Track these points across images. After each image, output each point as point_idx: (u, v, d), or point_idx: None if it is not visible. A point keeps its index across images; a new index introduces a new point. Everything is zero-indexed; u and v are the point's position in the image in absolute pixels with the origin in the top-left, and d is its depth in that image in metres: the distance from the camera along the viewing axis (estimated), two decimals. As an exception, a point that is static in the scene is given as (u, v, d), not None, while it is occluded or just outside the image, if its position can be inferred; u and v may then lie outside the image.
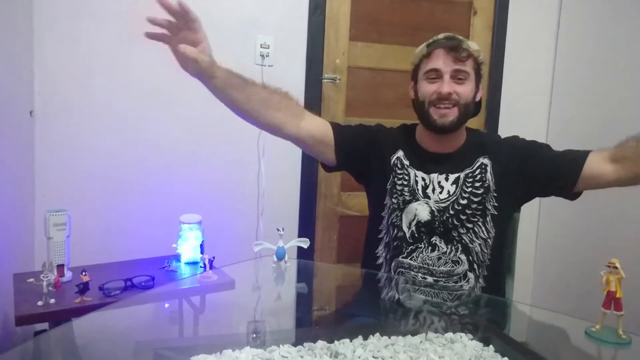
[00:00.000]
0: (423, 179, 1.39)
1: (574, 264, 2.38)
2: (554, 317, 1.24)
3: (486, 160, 1.39)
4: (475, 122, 2.49)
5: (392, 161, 1.43)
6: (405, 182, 1.40)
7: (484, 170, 1.39)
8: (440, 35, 1.37)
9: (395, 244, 1.40)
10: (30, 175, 1.95)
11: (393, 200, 1.41)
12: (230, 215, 2.21)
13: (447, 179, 1.38)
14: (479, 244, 1.37)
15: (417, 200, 1.38)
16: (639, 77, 2.10)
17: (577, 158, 1.33)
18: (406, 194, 1.39)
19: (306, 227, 2.31)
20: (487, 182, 1.38)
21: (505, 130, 2.56)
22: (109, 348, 0.97)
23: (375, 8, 2.34)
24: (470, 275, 1.36)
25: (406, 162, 1.41)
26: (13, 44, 1.80)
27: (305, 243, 1.27)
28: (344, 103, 2.34)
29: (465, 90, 1.34)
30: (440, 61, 1.33)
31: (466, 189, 1.37)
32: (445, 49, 1.33)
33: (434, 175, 1.39)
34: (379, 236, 1.45)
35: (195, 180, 2.15)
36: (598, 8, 2.32)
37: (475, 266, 1.37)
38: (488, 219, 1.38)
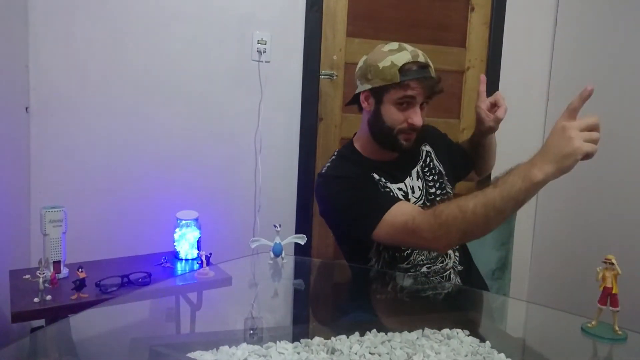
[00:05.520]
0: (400, 189, 1.40)
1: (570, 260, 2.39)
2: (550, 313, 1.24)
3: (428, 147, 1.49)
4: (473, 119, 2.49)
5: (378, 184, 1.39)
6: None
7: (430, 158, 1.48)
8: (407, 56, 1.29)
9: (389, 253, 1.40)
10: (26, 171, 1.94)
11: None
12: (227, 211, 2.21)
13: (411, 177, 1.43)
14: None
15: None
16: (637, 73, 2.10)
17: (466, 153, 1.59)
18: None
19: (303, 223, 2.31)
20: (437, 167, 1.47)
21: (502, 127, 2.57)
22: (105, 345, 0.97)
23: (373, 4, 2.34)
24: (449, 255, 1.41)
25: (382, 182, 1.39)
26: (8, 39, 1.79)
27: (302, 239, 1.27)
28: (341, 99, 2.33)
29: (424, 116, 1.36)
30: (416, 92, 1.30)
31: (428, 178, 1.44)
32: (421, 82, 1.29)
33: (407, 181, 1.42)
34: (369, 256, 1.43)
35: (192, 176, 2.15)
36: (595, 4, 2.32)
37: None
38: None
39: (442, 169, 1.49)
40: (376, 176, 1.38)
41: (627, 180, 2.11)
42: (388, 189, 1.38)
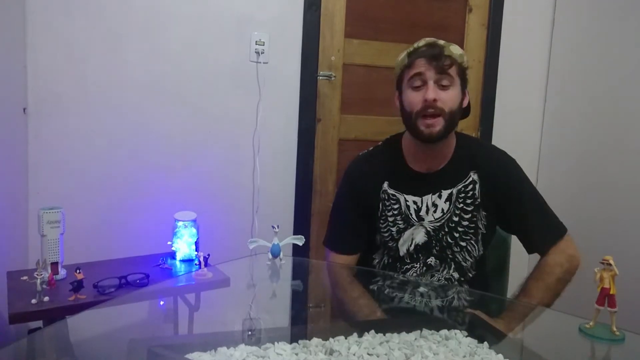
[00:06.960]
0: (415, 202, 1.36)
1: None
2: (548, 313, 1.25)
3: (476, 177, 1.36)
4: (471, 120, 2.50)
5: (380, 196, 1.39)
6: (395, 212, 1.37)
7: (474, 188, 1.36)
8: (422, 42, 1.32)
9: (390, 261, 1.41)
10: (24, 172, 1.93)
11: (384, 234, 1.39)
12: (226, 212, 2.20)
13: (440, 197, 1.36)
14: (471, 262, 1.38)
15: (412, 225, 1.37)
16: (634, 73, 2.11)
17: (534, 241, 1.41)
18: (400, 222, 1.37)
19: (301, 224, 2.31)
20: (477, 199, 1.36)
21: (499, 127, 2.58)
22: (103, 346, 0.97)
23: (371, 5, 2.34)
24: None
25: (391, 191, 1.38)
26: (6, 40, 1.78)
27: (300, 240, 1.27)
28: (339, 100, 2.33)
29: (450, 97, 1.27)
30: (423, 68, 1.27)
31: (457, 205, 1.35)
32: (427, 58, 1.27)
33: (427, 197, 1.36)
34: (373, 261, 1.46)
35: (190, 177, 2.14)
36: (593, 5, 2.33)
37: (463, 279, 1.39)
38: (479, 237, 1.37)
39: (480, 203, 1.36)
40: (386, 185, 1.38)
41: (626, 181, 2.11)
42: (394, 200, 1.37)
